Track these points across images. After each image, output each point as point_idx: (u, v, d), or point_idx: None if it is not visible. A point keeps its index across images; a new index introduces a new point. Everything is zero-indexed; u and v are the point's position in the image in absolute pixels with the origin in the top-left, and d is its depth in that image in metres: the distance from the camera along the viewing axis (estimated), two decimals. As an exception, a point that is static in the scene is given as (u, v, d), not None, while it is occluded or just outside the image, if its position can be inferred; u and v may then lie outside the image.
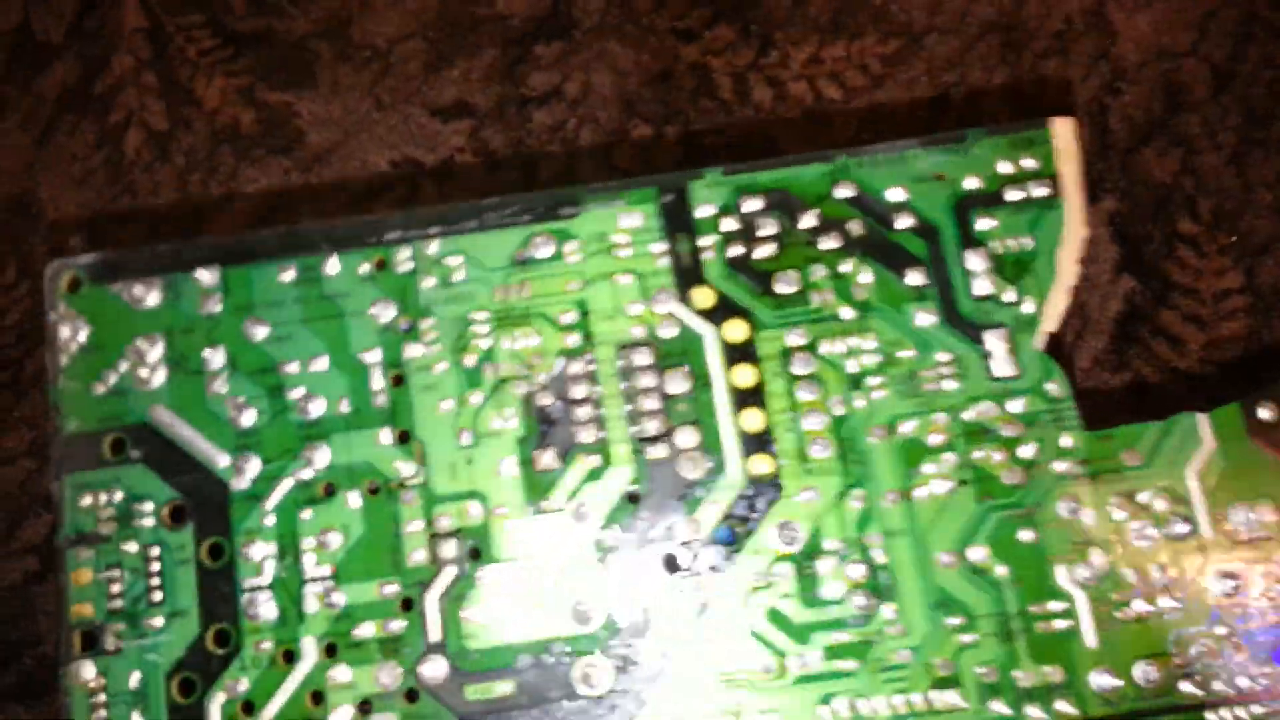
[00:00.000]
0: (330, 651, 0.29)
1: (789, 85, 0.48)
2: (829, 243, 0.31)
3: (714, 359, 0.30)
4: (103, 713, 0.28)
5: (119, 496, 0.30)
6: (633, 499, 0.30)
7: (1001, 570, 0.29)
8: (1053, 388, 0.30)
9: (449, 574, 0.30)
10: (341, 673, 0.29)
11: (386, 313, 0.31)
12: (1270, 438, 0.30)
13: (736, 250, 0.31)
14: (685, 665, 0.29)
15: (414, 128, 0.49)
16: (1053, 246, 0.30)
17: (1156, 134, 0.44)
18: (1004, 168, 0.31)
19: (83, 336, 0.31)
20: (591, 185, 0.32)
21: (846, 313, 0.31)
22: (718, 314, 0.31)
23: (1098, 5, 0.46)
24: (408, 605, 0.29)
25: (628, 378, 0.31)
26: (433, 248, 0.32)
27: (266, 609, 0.29)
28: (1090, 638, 0.29)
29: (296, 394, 0.31)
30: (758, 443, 0.30)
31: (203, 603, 0.29)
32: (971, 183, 0.31)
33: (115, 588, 0.30)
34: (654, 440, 0.30)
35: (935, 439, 0.30)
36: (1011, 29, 0.47)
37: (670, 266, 0.31)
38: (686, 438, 0.30)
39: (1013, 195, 0.31)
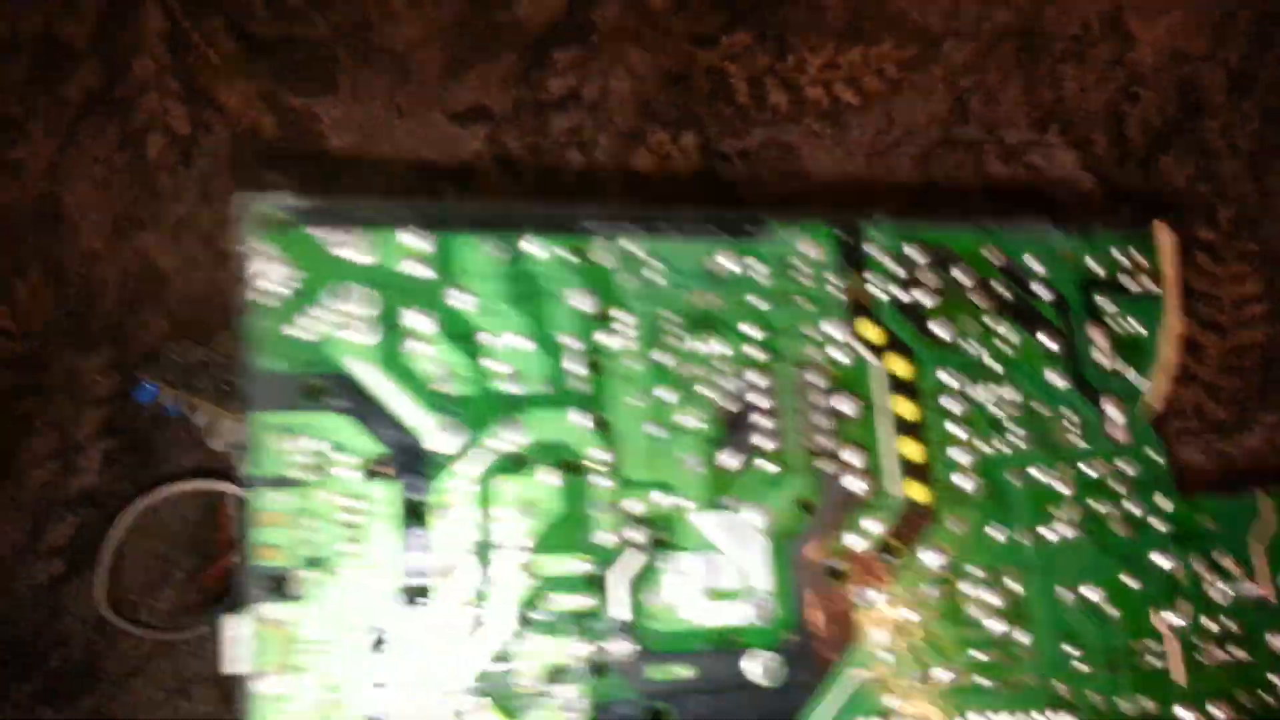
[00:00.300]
0: (523, 620, 0.30)
1: (806, 90, 0.48)
2: (980, 299, 0.34)
3: (880, 389, 0.33)
4: (290, 659, 0.28)
5: (316, 442, 0.29)
6: (806, 507, 0.32)
7: (1112, 610, 0.33)
8: (1155, 457, 0.34)
9: (635, 558, 0.31)
10: (530, 642, 0.30)
11: (584, 301, 0.32)
12: None
13: (903, 295, 0.34)
14: (848, 668, 0.31)
15: (433, 132, 0.50)
16: (1158, 336, 0.35)
17: (1174, 140, 0.44)
18: (1121, 258, 0.35)
19: (278, 276, 0.30)
20: (772, 214, 0.34)
21: (995, 366, 0.34)
22: (885, 349, 0.33)
23: (1115, 10, 0.47)
24: (594, 583, 0.30)
25: (804, 395, 0.33)
26: (630, 245, 0.33)
27: (462, 571, 0.30)
28: (1179, 675, 0.33)
29: (498, 367, 0.31)
30: (917, 471, 0.33)
31: (400, 559, 0.29)
32: (1094, 265, 0.35)
33: (308, 535, 0.29)
34: (825, 455, 0.32)
35: (1062, 487, 0.33)
36: (1028, 34, 0.47)
37: (845, 300, 0.33)
38: (854, 457, 0.32)
39: (1129, 283, 0.35)
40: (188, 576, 0.43)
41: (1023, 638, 0.32)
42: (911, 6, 0.48)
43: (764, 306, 0.33)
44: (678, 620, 0.31)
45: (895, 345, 0.34)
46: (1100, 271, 0.35)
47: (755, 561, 0.31)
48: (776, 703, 0.30)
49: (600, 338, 0.32)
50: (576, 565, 0.30)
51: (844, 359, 0.33)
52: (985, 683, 0.32)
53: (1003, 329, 0.34)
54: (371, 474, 0.30)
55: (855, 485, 0.32)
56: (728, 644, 0.31)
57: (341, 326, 0.30)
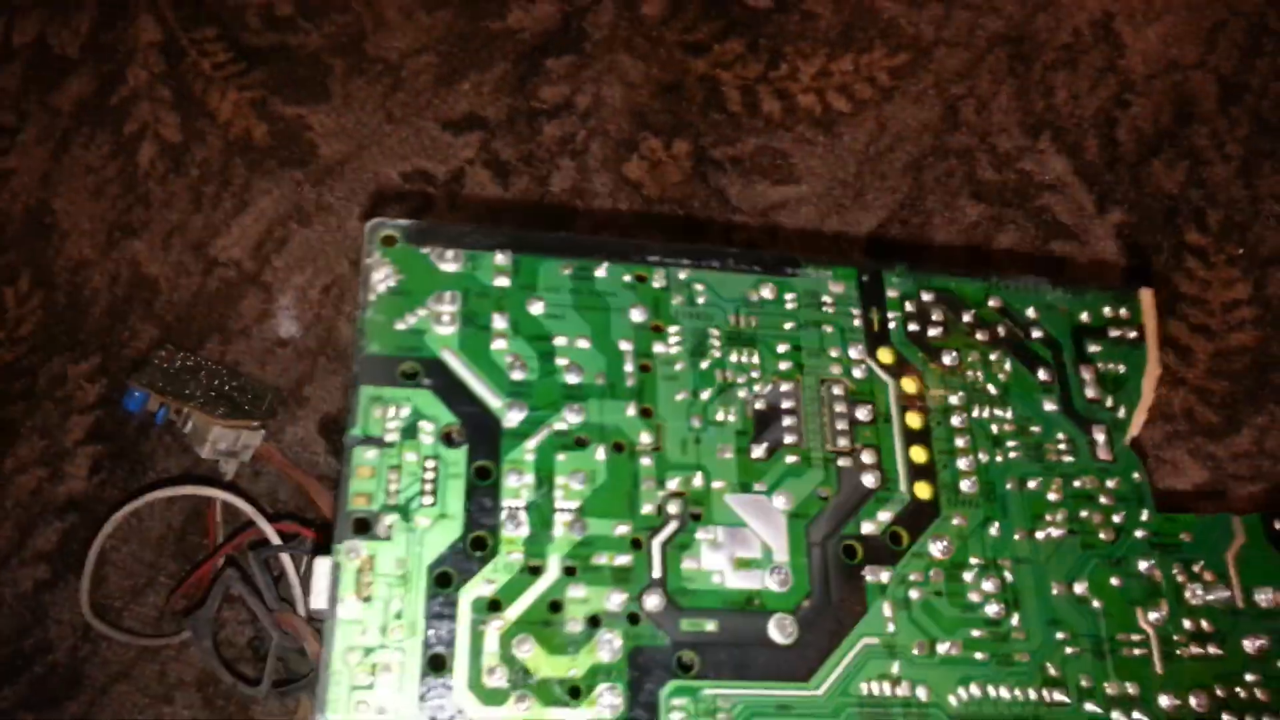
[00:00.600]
0: (570, 572, 0.35)
1: (798, 98, 0.48)
2: (982, 335, 0.39)
3: (892, 401, 0.38)
4: (367, 590, 0.33)
5: (406, 412, 0.35)
6: (823, 496, 0.37)
7: (1097, 603, 0.37)
8: (1136, 476, 0.38)
9: (672, 526, 0.35)
10: (577, 590, 0.34)
11: (640, 315, 0.38)
12: None
13: (914, 327, 0.39)
14: (858, 634, 0.35)
15: (425, 140, 0.50)
16: (1139, 375, 0.40)
17: (1165, 146, 0.45)
18: (1108, 312, 0.40)
19: (391, 281, 0.37)
20: (807, 258, 0.40)
21: (993, 390, 0.39)
22: (896, 369, 0.38)
23: (1106, 18, 0.47)
24: (636, 545, 0.35)
25: (826, 402, 0.38)
26: (683, 274, 0.39)
27: (521, 526, 0.35)
28: (1159, 665, 0.36)
29: (563, 361, 0.37)
30: (922, 472, 0.37)
31: (467, 511, 0.34)
32: (1084, 316, 0.40)
33: (393, 486, 0.34)
34: (843, 454, 0.37)
35: (1053, 496, 0.38)
36: (1020, 42, 0.47)
37: (863, 328, 0.39)
38: (868, 456, 0.37)
39: (1114, 332, 0.40)
40: (174, 582, 0.43)
41: (1016, 621, 0.36)
42: (903, 15, 0.49)
43: (794, 329, 0.39)
44: (706, 582, 0.35)
45: (906, 367, 0.39)
46: (1088, 321, 0.40)
47: (777, 537, 0.36)
48: (791, 659, 0.35)
49: (653, 347, 0.38)
50: (620, 528, 0.35)
51: (860, 375, 0.38)
52: (981, 656, 0.35)
53: (1001, 361, 0.39)
54: (448, 440, 0.35)
55: (868, 480, 0.37)
56: (749, 605, 0.35)
57: (435, 322, 0.37)
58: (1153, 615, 0.37)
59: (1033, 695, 0.36)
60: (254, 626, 0.43)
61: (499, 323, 0.37)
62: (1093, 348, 0.40)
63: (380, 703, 0.32)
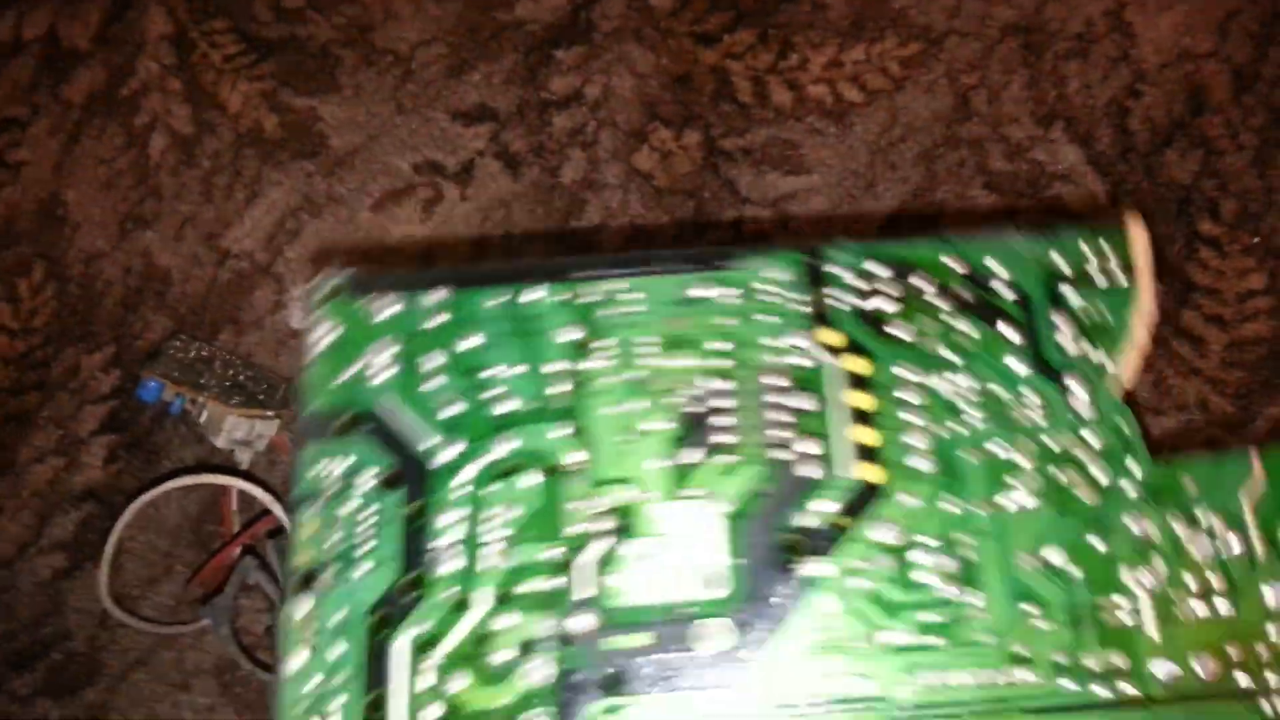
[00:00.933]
0: (499, 602, 0.34)
1: (808, 88, 0.49)
2: (939, 301, 0.37)
3: (837, 386, 0.36)
4: (312, 641, 0.34)
5: (345, 465, 0.36)
6: (761, 494, 0.35)
7: (1077, 571, 0.34)
8: (1125, 428, 0.35)
9: (601, 544, 0.35)
10: (505, 619, 0.34)
11: (574, 333, 0.37)
12: None
13: (863, 304, 0.37)
14: (793, 631, 0.34)
15: (435, 131, 0.51)
16: (1128, 320, 0.36)
17: (1178, 136, 0.45)
18: (1089, 253, 0.37)
19: (331, 337, 0.37)
20: (743, 250, 0.38)
21: (953, 357, 0.36)
22: (844, 351, 0.36)
23: (1118, 8, 0.48)
24: (566, 568, 0.35)
25: (764, 395, 0.36)
26: (615, 284, 0.38)
27: (450, 564, 0.35)
28: (1152, 631, 0.33)
29: (493, 393, 0.37)
30: (868, 454, 0.35)
31: (404, 554, 0.35)
32: (1060, 262, 0.37)
33: (333, 540, 0.35)
34: (780, 446, 0.35)
35: (1023, 462, 0.35)
36: (1032, 31, 0.48)
37: (807, 312, 0.37)
38: (809, 446, 0.35)
39: (1097, 275, 0.37)
40: (190, 571, 0.44)
41: (977, 600, 0.34)
42: (914, 4, 0.49)
43: (730, 323, 0.37)
44: (638, 596, 0.34)
45: (853, 347, 0.37)
46: (1066, 269, 0.37)
47: (711, 542, 0.35)
48: (727, 666, 0.34)
49: (585, 364, 0.37)
50: (551, 552, 0.35)
51: (803, 363, 0.36)
52: (936, 641, 0.34)
53: (962, 325, 0.36)
54: (386, 485, 0.35)
55: (810, 470, 0.35)
56: (682, 615, 0.34)
57: (373, 371, 0.37)
58: (1145, 575, 0.34)
59: (998, 679, 0.34)
60: (271, 614, 0.44)
61: (434, 361, 0.37)
62: (1070, 295, 0.37)
63: None
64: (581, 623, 0.34)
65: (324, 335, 0.37)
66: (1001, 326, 0.36)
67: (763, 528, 0.35)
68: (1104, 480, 0.35)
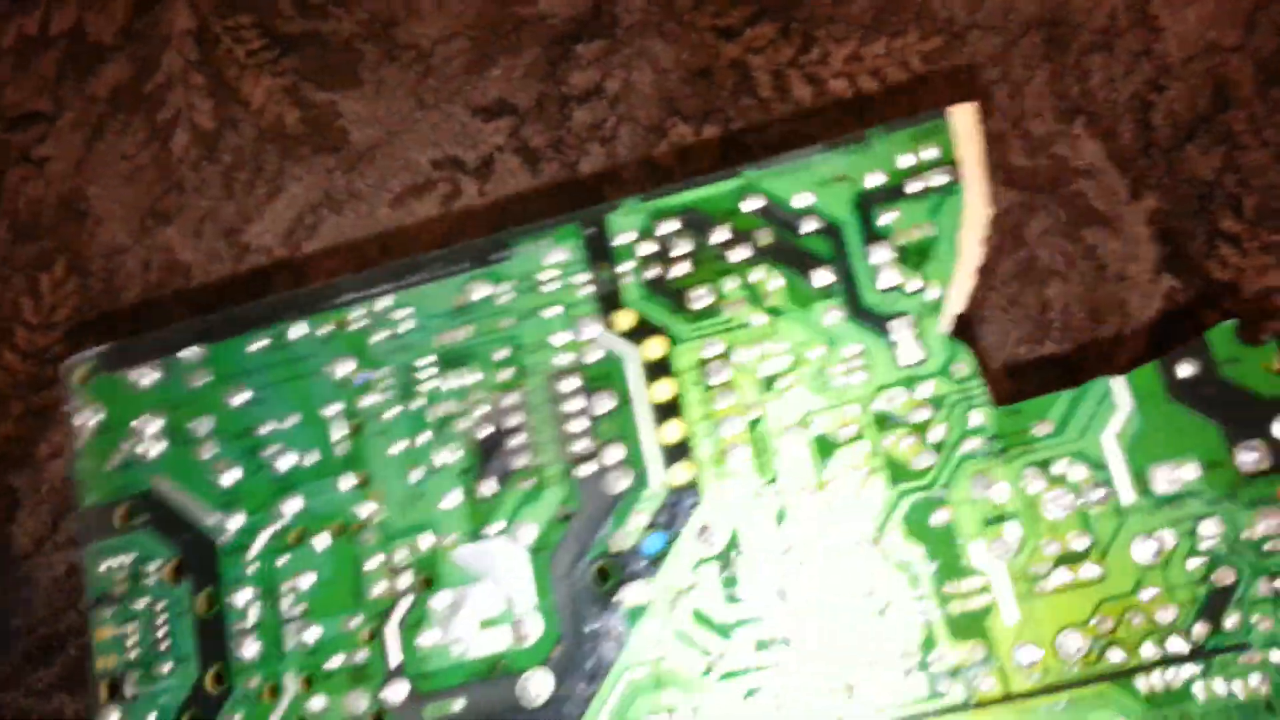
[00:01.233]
0: (308, 684, 0.33)
1: (829, 83, 0.49)
2: (739, 254, 0.33)
3: (635, 378, 0.33)
4: None
5: (130, 559, 0.35)
6: (565, 517, 0.33)
7: (917, 553, 0.31)
8: (960, 369, 0.32)
9: (405, 603, 0.33)
10: (317, 702, 0.33)
11: (345, 368, 0.35)
12: (1192, 395, 0.31)
13: (653, 272, 0.34)
14: (621, 669, 0.32)
15: (456, 126, 0.52)
16: (954, 230, 0.32)
17: (1200, 131, 0.46)
18: (905, 161, 0.33)
19: (95, 421, 0.36)
20: (517, 229, 0.35)
21: (758, 319, 0.33)
22: (637, 334, 0.33)
23: (1143, 1, 0.48)
24: (372, 635, 0.33)
25: (557, 404, 0.34)
26: (382, 304, 0.35)
27: (251, 649, 0.33)
28: (1010, 613, 0.30)
29: (270, 451, 0.35)
30: (678, 452, 0.33)
31: (201, 648, 0.34)
32: (874, 179, 0.33)
33: (131, 641, 0.34)
34: (582, 460, 0.33)
35: (847, 431, 0.32)
36: (1055, 25, 0.48)
37: (593, 295, 0.34)
38: (613, 454, 0.33)
39: (913, 186, 0.33)
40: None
41: (810, 607, 0.31)
42: (936, -2, 0.50)
43: (511, 326, 0.35)
44: (449, 656, 0.33)
45: (648, 329, 0.34)
46: (880, 181, 0.33)
47: (518, 582, 0.33)
48: (552, 717, 0.32)
49: (362, 401, 0.35)
50: (352, 622, 0.33)
51: (595, 356, 0.34)
52: (769, 658, 0.31)
53: (766, 279, 0.33)
54: (174, 575, 0.34)
55: (616, 483, 0.33)
56: (496, 670, 0.32)
57: (142, 450, 0.35)
58: (997, 546, 0.30)
59: (840, 695, 0.30)
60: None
61: (202, 428, 0.35)
62: (886, 217, 0.33)
63: None
64: (396, 693, 0.32)
65: (87, 421, 0.35)
66: (810, 269, 0.32)
67: (574, 557, 0.32)
68: (941, 437, 0.31)
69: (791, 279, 0.33)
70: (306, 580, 0.34)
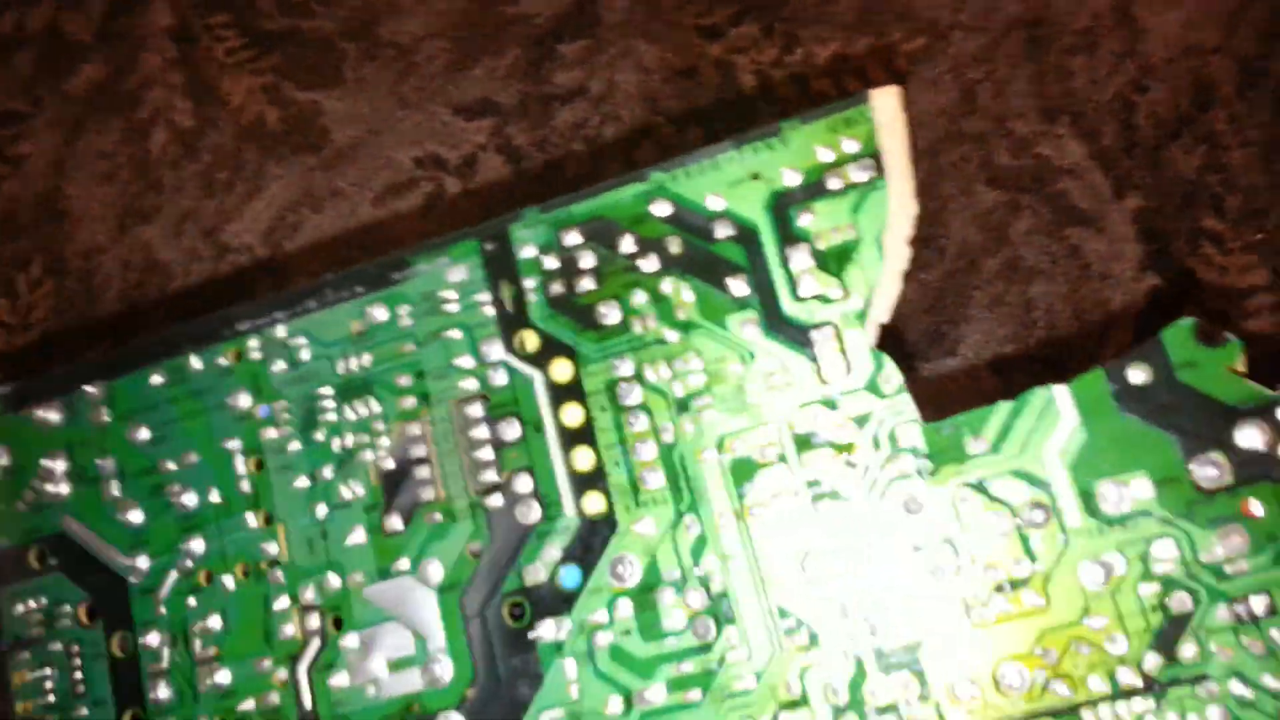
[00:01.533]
0: None
1: (813, 82, 0.50)
2: (649, 265, 0.32)
3: (543, 402, 0.32)
4: None
5: (44, 602, 0.35)
6: (475, 553, 0.32)
7: (845, 585, 0.29)
8: (886, 384, 0.30)
9: (314, 645, 0.33)
10: None
11: (244, 401, 0.35)
12: (1144, 403, 0.29)
13: (558, 288, 0.33)
14: (537, 710, 0.31)
15: (438, 125, 0.52)
16: (878, 231, 0.30)
17: (1183, 131, 0.46)
18: (824, 155, 0.31)
19: (3, 461, 0.36)
20: (416, 245, 0.34)
21: (670, 335, 0.31)
22: (544, 356, 0.32)
23: (1125, 2, 0.48)
24: (283, 678, 0.33)
25: (463, 432, 0.33)
26: (279, 332, 0.35)
27: (165, 693, 0.34)
28: (945, 645, 0.28)
29: (174, 489, 0.35)
30: (590, 480, 0.31)
31: (116, 691, 0.34)
32: (790, 177, 0.31)
33: (48, 684, 0.34)
34: (490, 491, 0.32)
35: (768, 454, 0.30)
36: (1038, 25, 0.49)
37: (495, 315, 0.33)
38: (522, 484, 0.32)
39: (833, 183, 0.31)
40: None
41: (732, 638, 0.30)
42: (920, -2, 0.50)
43: (413, 351, 0.34)
44: (360, 700, 0.32)
45: (554, 349, 0.33)
46: (797, 179, 0.31)
47: (429, 622, 0.32)
48: None
49: (263, 433, 0.34)
50: (263, 664, 0.33)
51: (500, 381, 0.33)
52: (693, 696, 0.29)
53: (677, 291, 0.32)
54: (88, 618, 0.34)
55: (526, 514, 0.32)
56: (413, 712, 0.32)
57: (50, 490, 0.35)
58: (930, 576, 0.29)
59: None
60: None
61: (108, 467, 0.35)
62: (805, 218, 0.31)
63: None
64: None
65: None
66: (725, 280, 0.31)
67: (485, 594, 0.31)
68: (869, 461, 0.29)
69: (704, 291, 0.32)
70: (216, 621, 0.34)
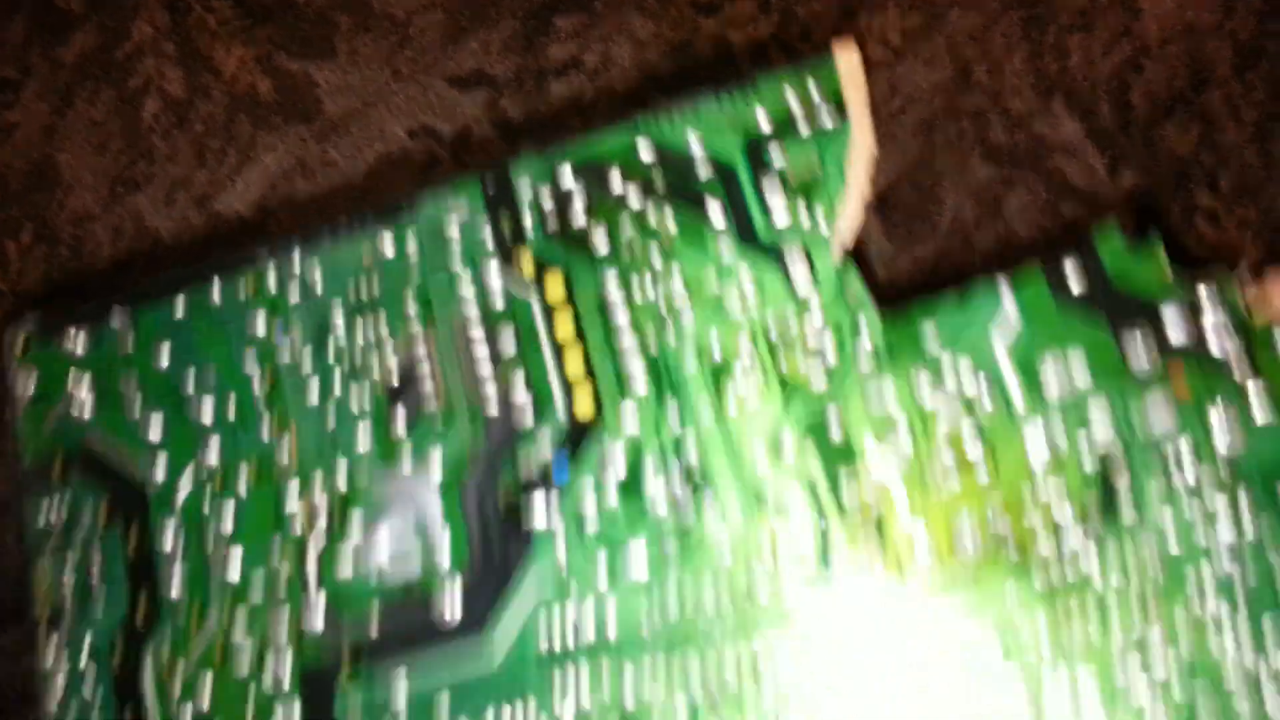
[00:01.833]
0: (232, 614, 0.37)
1: (808, 58, 0.50)
2: (635, 200, 0.36)
3: (538, 319, 0.36)
4: (62, 689, 0.37)
5: (64, 513, 0.39)
6: (473, 453, 0.36)
7: (814, 463, 0.33)
8: (850, 291, 0.35)
9: (321, 539, 0.37)
10: (240, 630, 0.36)
11: (260, 326, 0.39)
12: (1080, 298, 0.33)
13: (552, 220, 0.37)
14: (525, 586, 0.35)
15: (432, 98, 0.53)
16: (842, 168, 0.35)
17: (1178, 109, 0.47)
18: (794, 102, 0.36)
19: (32, 386, 0.40)
20: (423, 189, 0.38)
21: (655, 258, 0.36)
22: (539, 279, 0.37)
23: (1122, -19, 0.49)
24: (292, 563, 0.37)
25: (464, 349, 0.37)
26: (295, 264, 0.39)
27: (178, 585, 0.37)
28: (905, 519, 0.32)
29: (192, 405, 0.39)
30: (580, 386, 0.35)
31: (131, 586, 0.38)
32: (764, 122, 0.35)
33: (68, 583, 0.38)
34: (489, 398, 0.36)
35: (744, 356, 0.34)
36: (1035, 4, 0.49)
37: (494, 245, 0.37)
38: (518, 392, 0.36)
39: (802, 126, 0.35)
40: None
41: (713, 519, 0.34)
42: (917, -25, 0.51)
43: (420, 280, 0.38)
44: (364, 585, 0.36)
45: (548, 271, 0.37)
46: (768, 124, 0.36)
47: (429, 515, 0.36)
48: (461, 638, 0.35)
49: (278, 354, 0.38)
50: (273, 556, 0.37)
51: (498, 303, 0.37)
52: (676, 573, 0.34)
53: (663, 221, 0.36)
54: (108, 519, 0.38)
55: (521, 418, 0.36)
56: (410, 596, 0.35)
57: (75, 412, 0.39)
58: (890, 455, 0.33)
59: (725, 599, 0.33)
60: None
61: (129, 388, 0.39)
62: (776, 156, 0.36)
63: None
64: (316, 620, 0.36)
65: (24, 387, 0.40)
66: (704, 210, 0.35)
67: (482, 487, 0.35)
68: (831, 358, 0.34)
69: (685, 222, 0.36)
70: (228, 521, 0.37)
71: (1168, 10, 0.48)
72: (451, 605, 0.35)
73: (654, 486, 0.34)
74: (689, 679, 0.33)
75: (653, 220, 0.36)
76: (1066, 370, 0.32)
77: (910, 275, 0.44)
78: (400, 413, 0.37)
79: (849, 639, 0.33)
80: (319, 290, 0.39)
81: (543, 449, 0.35)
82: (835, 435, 0.33)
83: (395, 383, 0.37)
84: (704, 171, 0.36)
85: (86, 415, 0.39)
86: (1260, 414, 0.31)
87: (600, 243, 0.36)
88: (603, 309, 0.36)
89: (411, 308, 0.37)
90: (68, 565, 0.38)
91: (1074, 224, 0.46)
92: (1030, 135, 0.48)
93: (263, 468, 0.37)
